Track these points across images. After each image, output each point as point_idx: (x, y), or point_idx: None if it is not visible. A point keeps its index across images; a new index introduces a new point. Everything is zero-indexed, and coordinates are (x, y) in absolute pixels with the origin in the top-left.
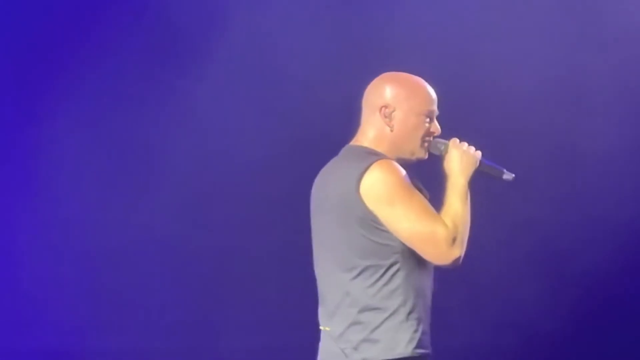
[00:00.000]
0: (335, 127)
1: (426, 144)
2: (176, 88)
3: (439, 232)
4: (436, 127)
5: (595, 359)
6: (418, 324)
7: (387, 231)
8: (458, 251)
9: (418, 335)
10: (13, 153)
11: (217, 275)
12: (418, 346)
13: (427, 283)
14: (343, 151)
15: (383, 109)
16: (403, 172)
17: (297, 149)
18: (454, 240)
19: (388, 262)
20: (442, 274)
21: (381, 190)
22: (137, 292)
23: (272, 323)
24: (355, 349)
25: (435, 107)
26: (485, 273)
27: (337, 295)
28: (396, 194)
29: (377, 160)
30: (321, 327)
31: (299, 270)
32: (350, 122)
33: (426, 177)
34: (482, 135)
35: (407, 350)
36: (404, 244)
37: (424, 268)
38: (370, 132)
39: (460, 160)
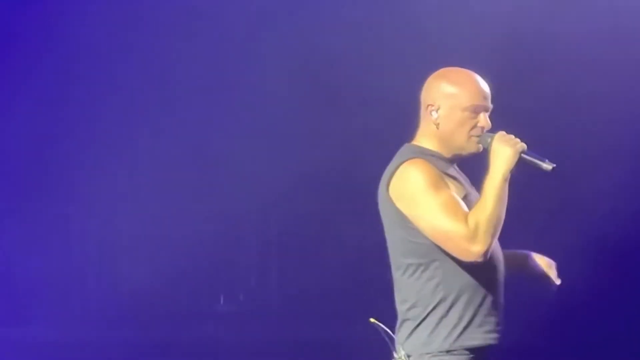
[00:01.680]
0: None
1: (476, 138)
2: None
3: (456, 230)
4: (485, 121)
5: None
6: (459, 319)
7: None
8: (479, 247)
9: (458, 330)
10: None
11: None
12: (457, 340)
13: (484, 277)
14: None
15: (429, 107)
16: (432, 170)
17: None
18: (473, 237)
19: (427, 260)
20: None
21: (404, 189)
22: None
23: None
24: (402, 344)
25: (482, 102)
26: None
27: (395, 293)
28: (418, 193)
29: (406, 160)
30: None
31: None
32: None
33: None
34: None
35: (444, 345)
36: None
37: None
38: (422, 130)
39: (501, 154)
